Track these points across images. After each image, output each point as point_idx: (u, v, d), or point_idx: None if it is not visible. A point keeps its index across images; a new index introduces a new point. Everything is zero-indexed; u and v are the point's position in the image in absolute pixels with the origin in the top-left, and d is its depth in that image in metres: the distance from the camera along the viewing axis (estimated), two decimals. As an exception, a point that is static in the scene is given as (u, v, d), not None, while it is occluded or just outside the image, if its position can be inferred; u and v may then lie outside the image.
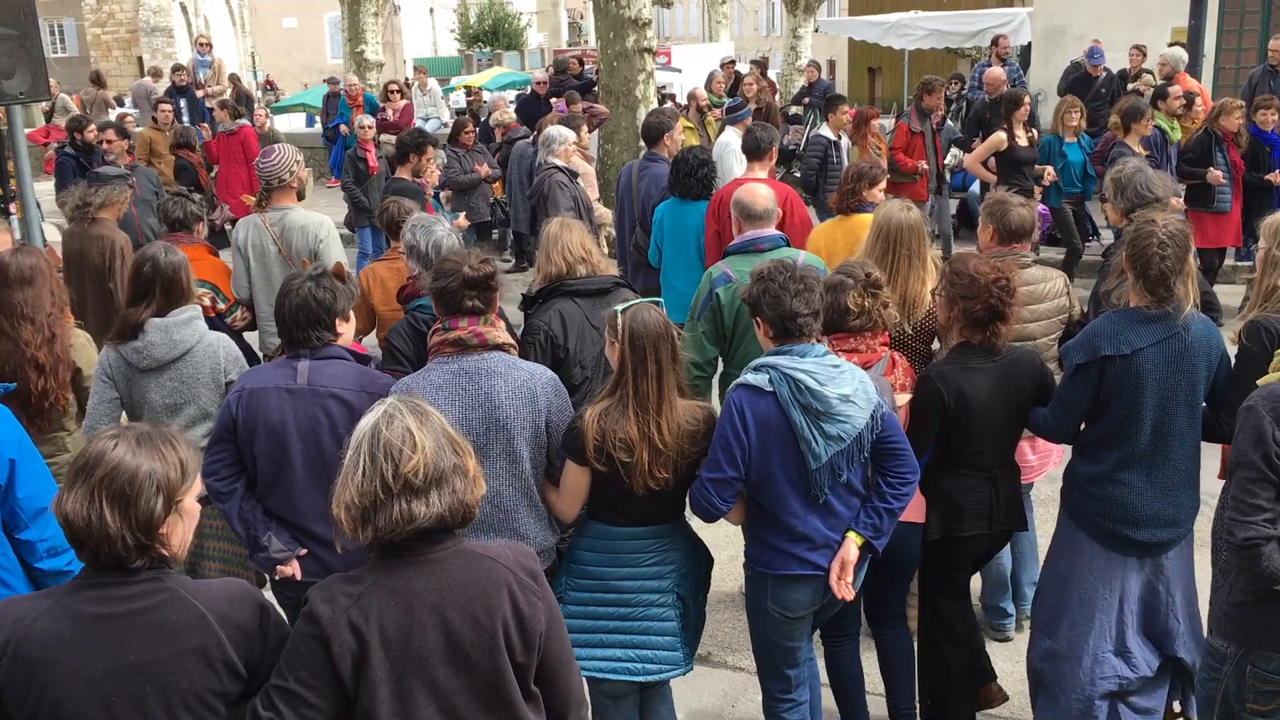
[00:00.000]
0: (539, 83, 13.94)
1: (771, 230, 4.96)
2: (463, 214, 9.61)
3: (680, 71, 26.62)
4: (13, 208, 6.98)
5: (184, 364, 4.21)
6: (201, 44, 19.61)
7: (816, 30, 24.63)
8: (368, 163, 10.84)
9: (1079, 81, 12.95)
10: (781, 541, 3.49)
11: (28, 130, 11.14)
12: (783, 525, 3.48)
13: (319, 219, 5.87)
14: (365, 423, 2.37)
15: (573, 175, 7.79)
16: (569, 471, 3.50)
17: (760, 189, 5.13)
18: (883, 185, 5.82)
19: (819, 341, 3.51)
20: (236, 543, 4.22)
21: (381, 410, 2.37)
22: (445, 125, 16.06)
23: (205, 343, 4.25)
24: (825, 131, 9.79)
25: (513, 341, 3.65)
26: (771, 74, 20.10)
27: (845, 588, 3.49)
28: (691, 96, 12.30)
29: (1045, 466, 4.73)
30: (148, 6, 44.72)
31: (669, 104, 16.84)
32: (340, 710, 2.29)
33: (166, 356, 4.19)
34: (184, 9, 45.19)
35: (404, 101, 14.55)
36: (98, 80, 17.60)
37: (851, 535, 3.49)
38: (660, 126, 7.64)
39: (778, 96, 16.92)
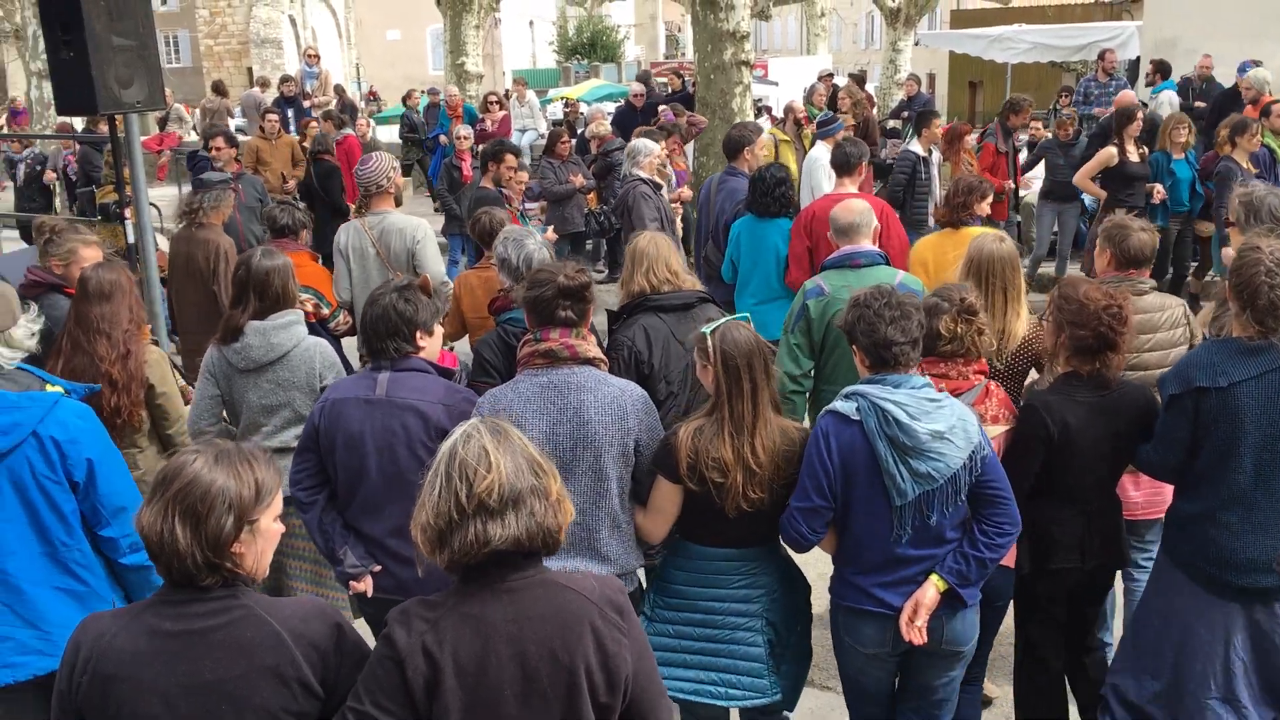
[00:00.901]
0: (635, 95, 14.00)
1: (868, 245, 4.85)
2: (550, 227, 9.72)
3: (777, 84, 26.53)
4: (127, 213, 7.22)
5: (281, 367, 4.31)
6: (310, 56, 20.12)
7: (917, 43, 24.35)
8: (462, 171, 11.02)
9: (1228, 98, 12.40)
10: (856, 575, 3.38)
11: (142, 138, 11.57)
12: (860, 559, 3.36)
13: (416, 222, 6.02)
14: (445, 444, 2.32)
15: (657, 187, 7.81)
16: (660, 489, 3.44)
17: (855, 203, 5.05)
18: (990, 200, 5.74)
19: (919, 373, 3.37)
20: (322, 563, 4.27)
21: (461, 430, 2.33)
22: (542, 136, 16.22)
23: (303, 347, 4.34)
24: (914, 147, 9.69)
25: (603, 357, 3.61)
26: (870, 87, 19.92)
27: (916, 632, 3.29)
28: (789, 110, 12.25)
29: (1157, 505, 4.38)
30: (258, 19, 46.09)
31: (764, 117, 16.80)
32: None
33: (264, 359, 4.29)
34: (293, 21, 46.49)
35: (503, 113, 14.74)
36: (219, 90, 18.17)
37: (934, 578, 3.31)
38: (741, 140, 7.61)
39: (876, 110, 16.75)
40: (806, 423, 3.76)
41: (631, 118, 13.22)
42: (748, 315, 3.56)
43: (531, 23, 55.07)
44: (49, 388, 3.43)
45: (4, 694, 3.26)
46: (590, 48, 44.90)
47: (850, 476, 3.27)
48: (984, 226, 5.77)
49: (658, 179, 8.01)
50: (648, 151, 7.82)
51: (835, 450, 3.27)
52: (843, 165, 6.53)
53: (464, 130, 11.57)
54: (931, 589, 3.30)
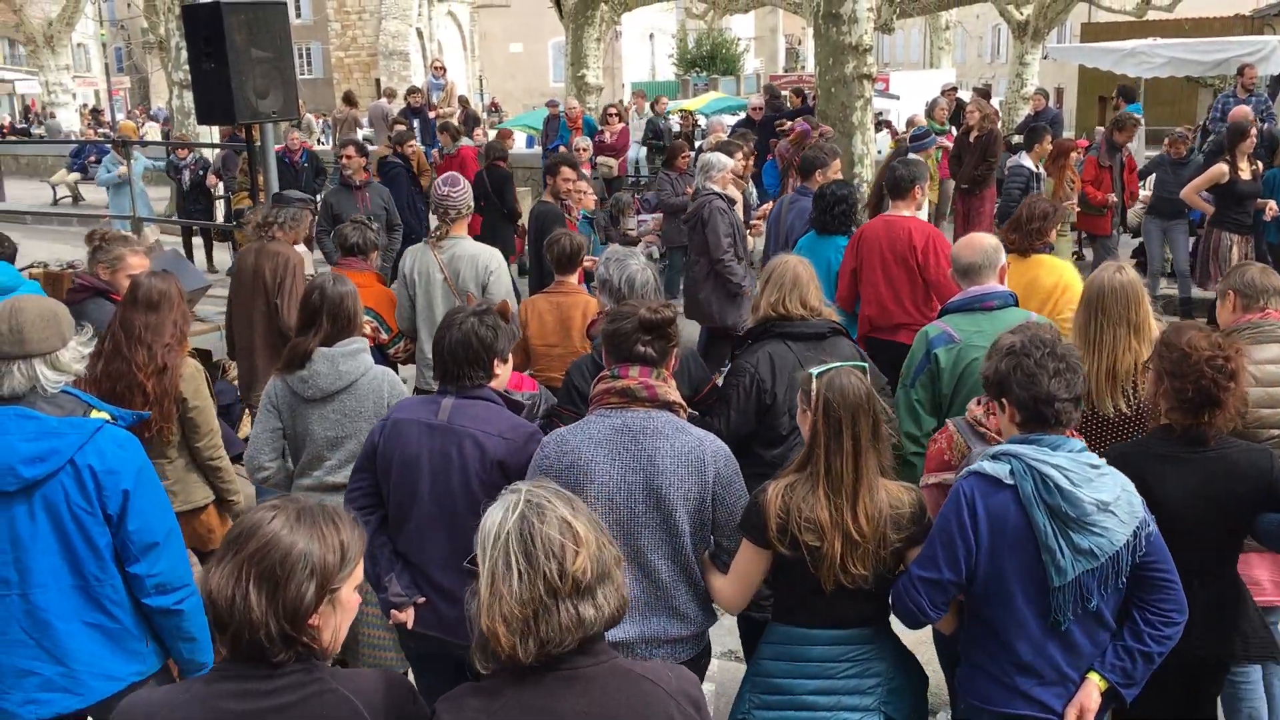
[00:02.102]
0: (755, 108, 13.96)
1: (998, 285, 4.41)
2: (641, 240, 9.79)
3: (898, 98, 26.15)
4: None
5: (348, 396, 4.12)
6: (436, 68, 20.59)
7: (1045, 57, 23.75)
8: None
9: None
10: (1006, 672, 2.93)
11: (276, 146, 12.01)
12: (1011, 651, 2.92)
13: (490, 251, 5.84)
14: (501, 518, 2.04)
15: (730, 202, 7.75)
16: (744, 553, 3.06)
17: (981, 238, 4.63)
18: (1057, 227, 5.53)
19: (1073, 435, 3.01)
20: (394, 631, 3.97)
21: (521, 501, 2.05)
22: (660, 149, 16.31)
23: (370, 376, 4.16)
24: (1027, 162, 9.54)
25: (683, 403, 3.30)
26: (994, 101, 19.51)
27: None
28: (910, 124, 12.08)
29: None
30: (387, 32, 47.34)
31: (884, 131, 16.58)
32: None
33: (331, 388, 4.10)
34: (420, 34, 47.65)
35: (621, 125, 14.84)
36: (349, 100, 18.73)
37: (1094, 677, 2.92)
38: (815, 161, 7.54)
39: (1001, 124, 16.39)
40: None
41: (749, 130, 13.17)
42: (866, 366, 3.23)
43: (651, 35, 55.39)
44: (94, 413, 3.30)
45: None
46: (710, 60, 44.93)
47: (997, 550, 2.87)
48: (1051, 256, 5.52)
49: (729, 194, 7.94)
50: (721, 165, 7.74)
51: (983, 518, 2.87)
52: (894, 187, 6.23)
53: (583, 142, 11.69)
54: (1094, 689, 2.91)
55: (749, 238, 8.15)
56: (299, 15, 48.36)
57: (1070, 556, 2.83)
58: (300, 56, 48.46)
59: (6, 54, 46.93)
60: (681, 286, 11.65)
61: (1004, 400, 3.02)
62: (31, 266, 8.63)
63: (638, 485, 3.09)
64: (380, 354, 5.35)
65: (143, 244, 5.34)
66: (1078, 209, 9.92)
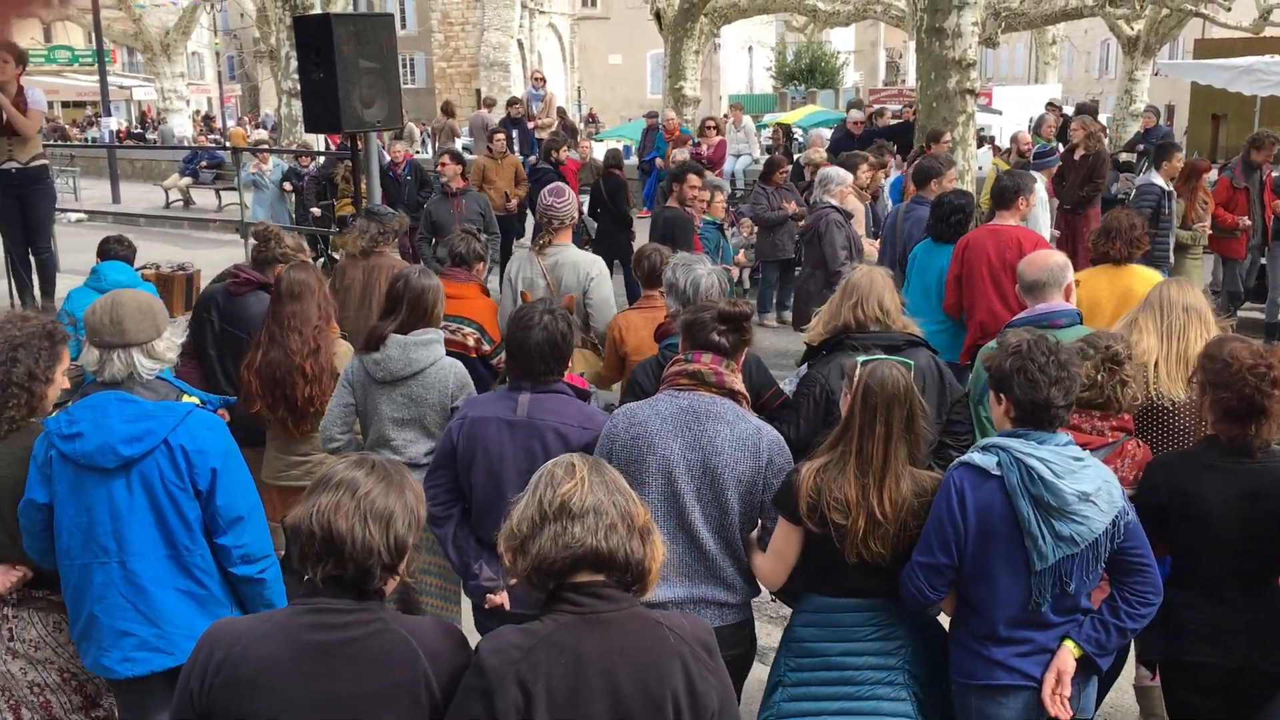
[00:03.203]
0: (855, 122, 13.82)
1: (1063, 304, 4.50)
2: (740, 251, 9.74)
3: (1001, 114, 25.74)
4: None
5: (416, 382, 4.31)
6: (537, 78, 20.84)
7: (1156, 73, 23.15)
8: (678, 195, 11.17)
9: None
10: (987, 647, 3.12)
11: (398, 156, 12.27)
12: (992, 629, 3.11)
13: (591, 258, 5.98)
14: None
15: (847, 216, 7.68)
16: (779, 530, 3.28)
17: (1047, 255, 4.70)
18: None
19: (1063, 430, 3.16)
20: (447, 579, 4.36)
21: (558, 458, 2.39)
22: (757, 161, 16.24)
23: (438, 366, 4.35)
24: (1157, 180, 9.22)
25: (746, 394, 3.53)
26: (1102, 118, 19.04)
27: (1060, 704, 3.06)
28: (1014, 140, 11.85)
29: None
30: (489, 43, 48.07)
31: (986, 147, 16.29)
32: None
33: (401, 372, 4.30)
34: (521, 45, 48.28)
35: (719, 137, 14.83)
36: (447, 110, 19.06)
37: (1069, 644, 3.10)
38: (930, 170, 7.54)
39: (1109, 142, 15.99)
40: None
41: (848, 145, 13.04)
42: (912, 364, 3.39)
43: (750, 48, 55.33)
44: (185, 398, 3.55)
45: (132, 685, 3.42)
46: (808, 74, 44.73)
47: (986, 536, 3.05)
48: (1147, 266, 5.42)
49: (847, 207, 7.87)
50: (839, 179, 7.69)
51: (970, 506, 3.05)
52: (999, 197, 6.32)
53: (681, 154, 11.72)
54: (1068, 656, 3.09)
55: (868, 250, 8.09)
56: (404, 26, 49.34)
57: (1051, 543, 2.99)
58: (404, 66, 49.43)
59: (125, 61, 48.74)
60: (774, 299, 11.62)
61: (1002, 395, 3.16)
62: (145, 268, 8.93)
63: (695, 462, 3.31)
64: (484, 364, 5.48)
65: (298, 247, 5.62)
66: (1210, 231, 9.58)
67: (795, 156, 14.07)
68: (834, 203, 7.56)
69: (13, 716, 3.63)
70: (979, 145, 13.38)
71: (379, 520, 2.24)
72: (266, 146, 14.31)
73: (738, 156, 16.97)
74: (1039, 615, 3.07)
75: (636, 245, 5.99)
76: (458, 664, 2.27)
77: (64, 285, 8.69)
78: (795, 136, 22.52)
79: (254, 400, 4.75)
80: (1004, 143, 17.91)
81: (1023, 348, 3.10)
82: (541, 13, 48.54)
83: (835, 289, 4.55)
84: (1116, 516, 3.03)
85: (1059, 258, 4.63)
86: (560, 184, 6.23)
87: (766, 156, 13.84)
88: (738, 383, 3.46)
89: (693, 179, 7.96)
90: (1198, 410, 3.53)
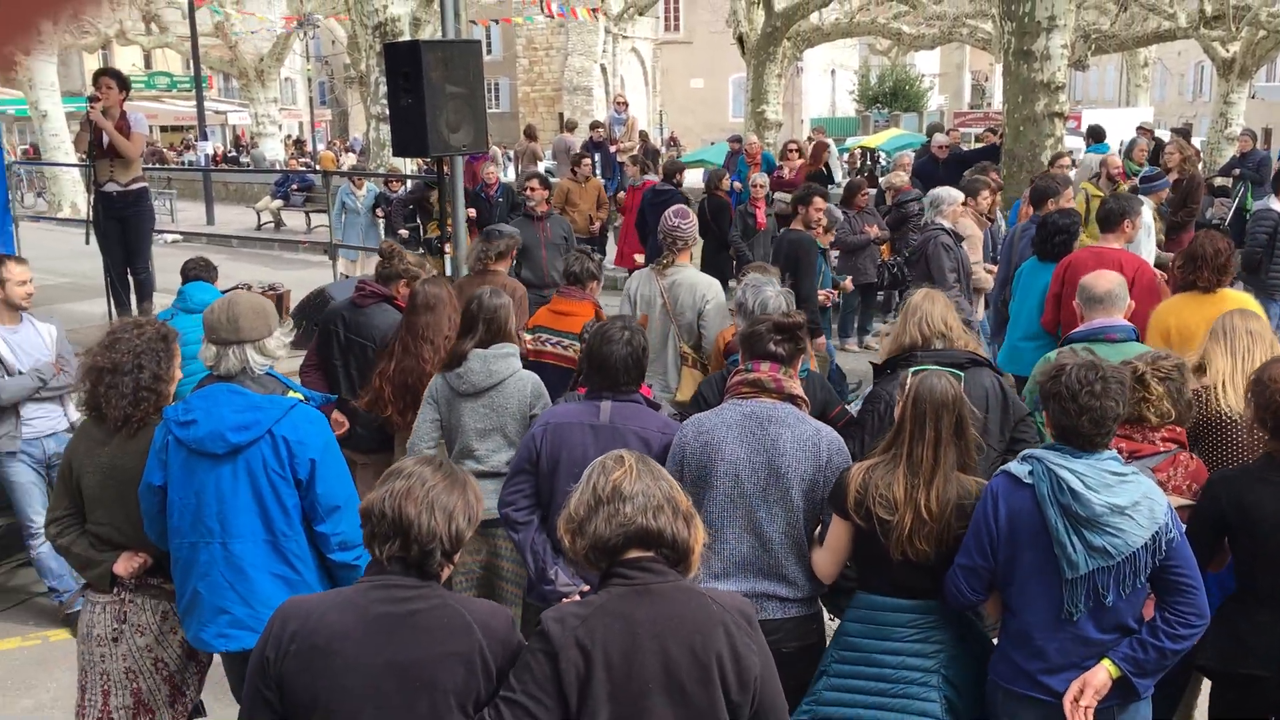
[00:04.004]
0: (940, 146, 13.67)
1: (1120, 319, 4.69)
2: (849, 278, 9.64)
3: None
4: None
5: (497, 393, 4.54)
6: (619, 102, 20.97)
7: (1252, 96, 22.54)
8: (756, 218, 11.12)
9: None
10: (1018, 653, 3.20)
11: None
12: (1024, 635, 3.18)
13: (709, 281, 6.14)
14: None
15: (958, 238, 7.58)
16: (832, 525, 3.47)
17: (1108, 273, 4.92)
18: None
19: (1109, 448, 3.20)
20: (522, 586, 4.44)
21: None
22: (838, 185, 16.15)
23: (517, 377, 4.59)
24: (1276, 206, 8.95)
25: (805, 398, 3.74)
26: (1195, 141, 18.58)
27: (1082, 715, 3.07)
28: (1104, 164, 11.60)
29: None
30: (572, 68, 48.61)
31: (1075, 171, 15.97)
32: None
33: (483, 384, 4.54)
34: (604, 70, 48.72)
35: (800, 160, 14.77)
36: (530, 134, 19.27)
37: (1106, 663, 3.09)
38: (1047, 191, 7.53)
39: (1203, 167, 15.60)
40: None
41: (932, 169, 12.90)
42: (962, 375, 3.58)
43: (833, 72, 55.13)
44: (290, 393, 3.78)
45: (234, 658, 3.71)
46: (892, 97, 44.35)
47: (1017, 542, 3.14)
48: (1236, 291, 5.31)
49: (959, 229, 7.76)
50: (950, 200, 7.63)
51: (1003, 512, 3.17)
52: (1104, 219, 6.34)
53: (760, 178, 11.67)
54: (1103, 673, 3.09)
55: (979, 275, 8.03)
56: (490, 52, 50.11)
57: (1083, 552, 3.04)
58: (489, 91, 50.18)
59: (221, 87, 50.24)
60: (855, 323, 11.51)
61: (1046, 411, 3.26)
62: (236, 288, 9.15)
63: (761, 464, 3.52)
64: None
65: (420, 264, 5.95)
66: None
67: (879, 180, 13.95)
68: (945, 224, 7.50)
69: (101, 699, 3.86)
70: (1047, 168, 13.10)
71: (444, 511, 2.48)
72: (364, 171, 14.53)
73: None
74: (1075, 627, 3.10)
75: (707, 290, 6.05)
76: (508, 639, 2.49)
77: (160, 304, 8.97)
78: (879, 160, 22.37)
79: (386, 406, 5.05)
80: (1092, 165, 17.53)
81: (1063, 374, 3.17)
82: (624, 37, 48.91)
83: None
84: (1158, 532, 3.04)
85: (1119, 276, 4.85)
86: (684, 206, 6.45)
87: (848, 180, 13.75)
88: (796, 388, 3.70)
89: (818, 202, 8.01)
90: (1250, 426, 3.70)
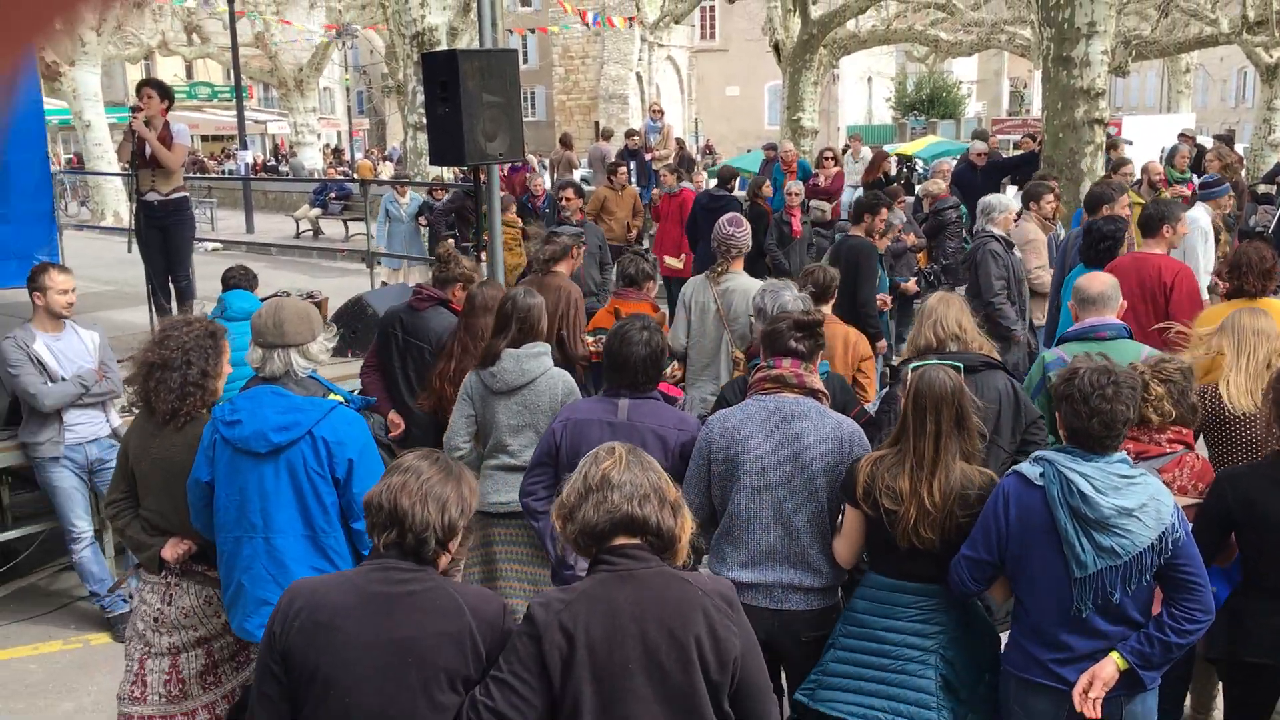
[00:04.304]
0: (977, 154, 13.55)
1: (1112, 319, 4.87)
2: (912, 279, 9.64)
3: (1131, 143, 24.91)
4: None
5: (529, 391, 4.67)
6: (654, 111, 20.96)
7: (1297, 101, 22.19)
8: (791, 226, 11.07)
9: None
10: (1031, 644, 3.33)
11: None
12: (1035, 628, 3.31)
13: (760, 286, 6.05)
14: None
15: (1009, 246, 7.53)
16: (846, 515, 3.62)
17: (1103, 276, 5.05)
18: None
19: (1119, 450, 3.33)
20: (537, 567, 4.60)
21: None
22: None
23: (548, 375, 4.71)
24: None
25: (825, 392, 3.87)
26: (1238, 148, 18.34)
27: (1090, 706, 3.20)
28: (1145, 171, 11.47)
29: None
30: (608, 76, 48.72)
31: (1116, 177, 15.79)
32: (544, 706, 2.51)
33: (515, 383, 4.67)
34: (639, 78, 48.79)
35: (836, 168, 14.71)
36: (565, 143, 19.30)
37: (1114, 655, 3.22)
38: (1102, 197, 7.48)
39: (1245, 173, 15.38)
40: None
41: (970, 177, 12.80)
42: (961, 366, 3.68)
43: (870, 79, 54.91)
44: (331, 396, 3.93)
45: None
46: (929, 104, 44.12)
47: (1028, 541, 3.25)
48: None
49: (1011, 236, 7.73)
50: (1001, 207, 7.61)
51: (1013, 511, 3.27)
52: (1144, 225, 6.35)
53: (795, 186, 11.62)
54: (1111, 665, 3.21)
55: (1038, 278, 8.00)
56: (526, 61, 50.36)
57: (1092, 552, 3.14)
58: (525, 100, 50.27)
59: (261, 97, 50.79)
60: (893, 329, 11.43)
61: (1059, 413, 3.37)
62: (275, 295, 9.23)
63: (786, 457, 3.65)
64: None
65: (475, 268, 6.14)
66: None
67: (915, 188, 13.86)
68: (997, 231, 7.47)
69: (137, 665, 4.06)
70: (1108, 175, 12.96)
71: (437, 502, 2.62)
72: (406, 179, 14.58)
73: (855, 188, 16.81)
74: (1084, 622, 3.21)
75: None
76: (496, 622, 2.63)
77: (200, 311, 9.06)
78: (915, 168, 22.23)
79: (446, 405, 5.16)
80: (1135, 173, 17.36)
81: (1076, 377, 3.28)
82: (660, 46, 48.98)
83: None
84: (1164, 532, 3.14)
85: (1112, 279, 5.04)
86: (738, 214, 6.56)
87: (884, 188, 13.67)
88: (817, 382, 3.83)
89: (884, 213, 8.06)
90: (1267, 424, 3.76)
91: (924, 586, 3.50)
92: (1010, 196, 11.83)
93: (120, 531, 4.23)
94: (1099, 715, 3.20)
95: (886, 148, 30.42)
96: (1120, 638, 3.22)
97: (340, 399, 3.95)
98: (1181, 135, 15.70)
